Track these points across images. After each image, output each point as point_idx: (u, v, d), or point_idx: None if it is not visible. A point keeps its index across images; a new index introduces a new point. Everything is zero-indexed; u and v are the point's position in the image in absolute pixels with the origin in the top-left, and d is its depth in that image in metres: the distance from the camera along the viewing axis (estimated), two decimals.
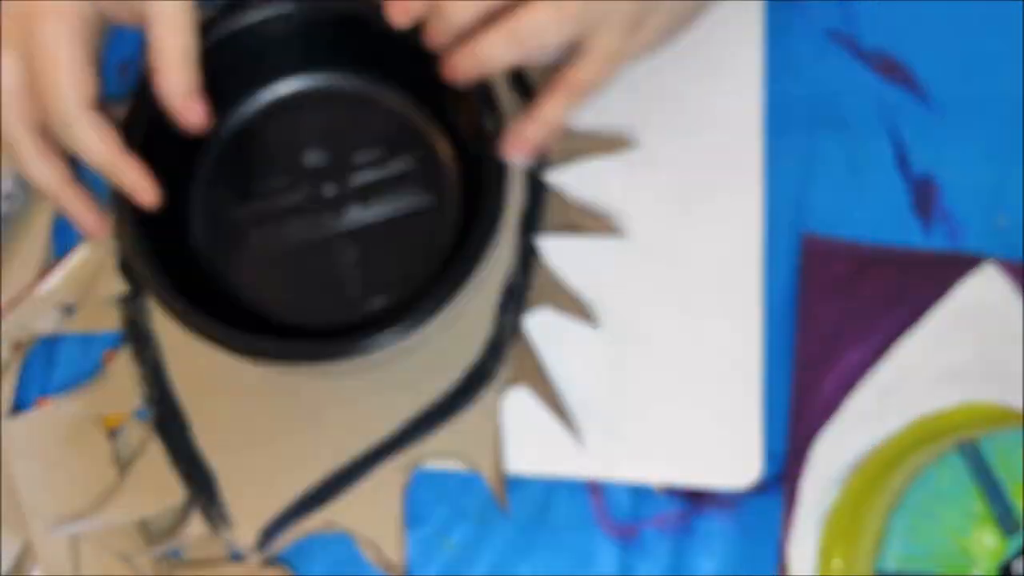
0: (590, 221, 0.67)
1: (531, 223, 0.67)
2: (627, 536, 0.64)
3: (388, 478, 0.63)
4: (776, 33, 0.71)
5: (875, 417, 0.65)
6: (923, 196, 0.69)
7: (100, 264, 0.66)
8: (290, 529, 0.63)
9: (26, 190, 0.67)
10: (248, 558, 0.62)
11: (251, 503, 0.63)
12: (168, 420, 0.64)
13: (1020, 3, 0.72)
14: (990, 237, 0.68)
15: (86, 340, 0.66)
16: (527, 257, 0.66)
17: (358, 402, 0.64)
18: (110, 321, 0.66)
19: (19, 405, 0.65)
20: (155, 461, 0.63)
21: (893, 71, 0.70)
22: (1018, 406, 0.65)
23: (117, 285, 0.66)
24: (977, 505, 0.58)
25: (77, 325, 0.66)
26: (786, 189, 0.69)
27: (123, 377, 0.65)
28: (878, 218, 0.68)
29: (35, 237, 0.67)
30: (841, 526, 0.63)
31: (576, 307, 0.65)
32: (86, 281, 0.65)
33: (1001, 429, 0.60)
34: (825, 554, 0.63)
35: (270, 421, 0.64)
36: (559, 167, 0.68)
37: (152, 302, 0.65)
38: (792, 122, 0.70)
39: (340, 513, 0.63)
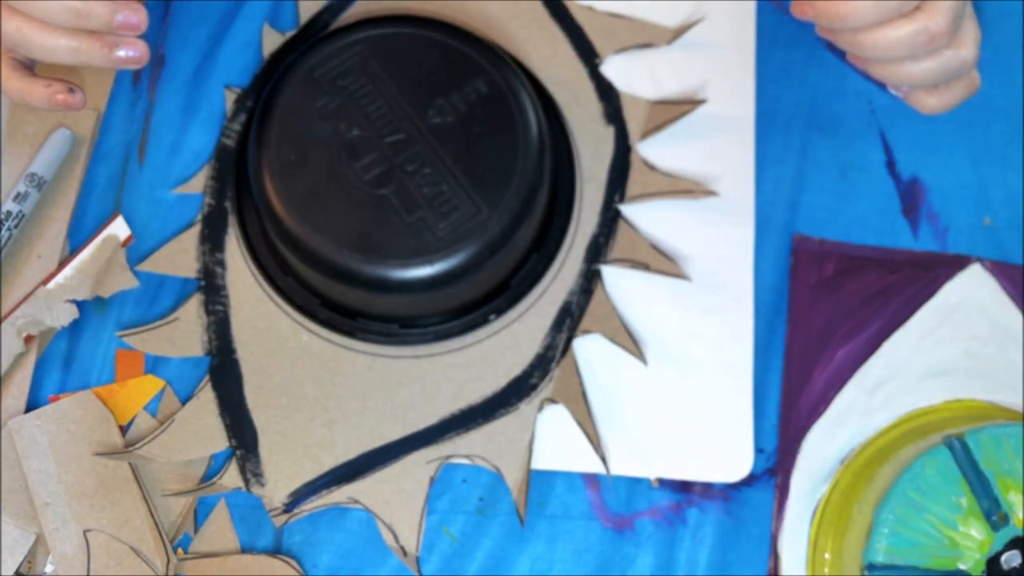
0: (659, 261, 0.68)
1: (599, 249, 0.68)
2: (623, 527, 0.65)
3: (417, 468, 0.64)
4: (768, 38, 0.72)
5: (864, 413, 0.66)
6: (911, 198, 0.70)
7: (108, 260, 0.67)
8: (316, 497, 0.64)
9: (39, 189, 0.67)
10: (275, 518, 0.63)
11: (286, 465, 0.64)
12: (224, 372, 0.65)
13: (1006, 9, 0.73)
14: (976, 238, 0.70)
15: (99, 343, 0.67)
16: (590, 281, 0.67)
17: (402, 390, 0.65)
18: (186, 268, 0.67)
19: (34, 403, 0.65)
20: (205, 408, 0.65)
21: None
22: (1003, 402, 0.66)
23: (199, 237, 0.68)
24: (964, 499, 0.59)
25: (151, 266, 0.67)
26: (777, 191, 0.70)
27: (192, 322, 0.66)
28: (867, 219, 0.70)
29: (55, 234, 0.67)
30: (831, 519, 0.64)
31: (627, 340, 0.66)
32: (94, 275, 0.66)
33: (988, 424, 0.61)
34: (815, 546, 0.64)
35: (318, 392, 0.65)
36: (636, 202, 0.69)
37: (230, 257, 0.67)
38: (784, 125, 0.71)
39: (366, 493, 0.64)
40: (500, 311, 0.66)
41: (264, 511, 0.64)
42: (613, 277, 0.67)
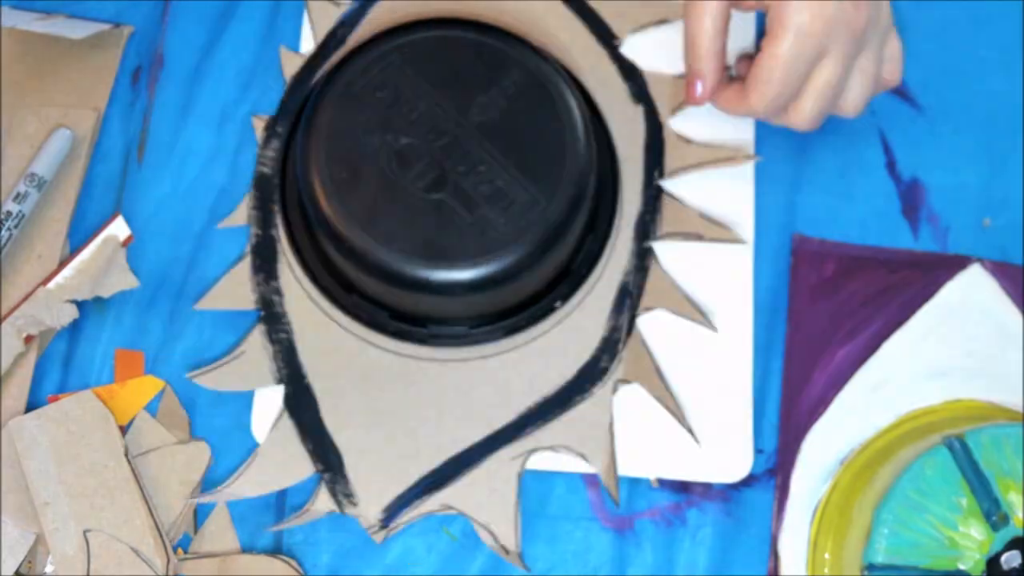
0: (711, 229, 0.68)
1: (647, 227, 0.68)
2: (623, 527, 0.65)
3: (504, 466, 0.64)
4: None
5: (864, 413, 0.66)
6: (911, 199, 0.70)
7: (108, 259, 0.67)
8: (410, 509, 0.64)
9: (39, 189, 0.67)
10: (373, 534, 0.64)
11: (375, 482, 0.64)
12: (299, 398, 0.65)
13: (1006, 9, 0.73)
14: (976, 238, 0.69)
15: (99, 343, 0.67)
16: (643, 260, 0.67)
17: (475, 391, 0.65)
18: (244, 300, 0.67)
19: (34, 403, 0.65)
20: (286, 438, 0.65)
21: None
22: (1003, 402, 0.66)
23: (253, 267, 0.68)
24: (964, 499, 0.59)
25: (210, 303, 0.67)
26: (777, 191, 0.70)
27: (258, 354, 0.66)
28: (867, 220, 0.70)
29: (55, 234, 0.67)
30: (831, 519, 0.64)
31: (691, 309, 0.67)
32: (94, 275, 0.66)
33: (988, 424, 0.61)
34: (815, 546, 0.64)
35: (393, 404, 0.65)
36: (677, 176, 0.69)
37: (286, 283, 0.67)
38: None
39: (457, 497, 0.64)
40: (564, 297, 0.66)
41: (263, 511, 0.64)
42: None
